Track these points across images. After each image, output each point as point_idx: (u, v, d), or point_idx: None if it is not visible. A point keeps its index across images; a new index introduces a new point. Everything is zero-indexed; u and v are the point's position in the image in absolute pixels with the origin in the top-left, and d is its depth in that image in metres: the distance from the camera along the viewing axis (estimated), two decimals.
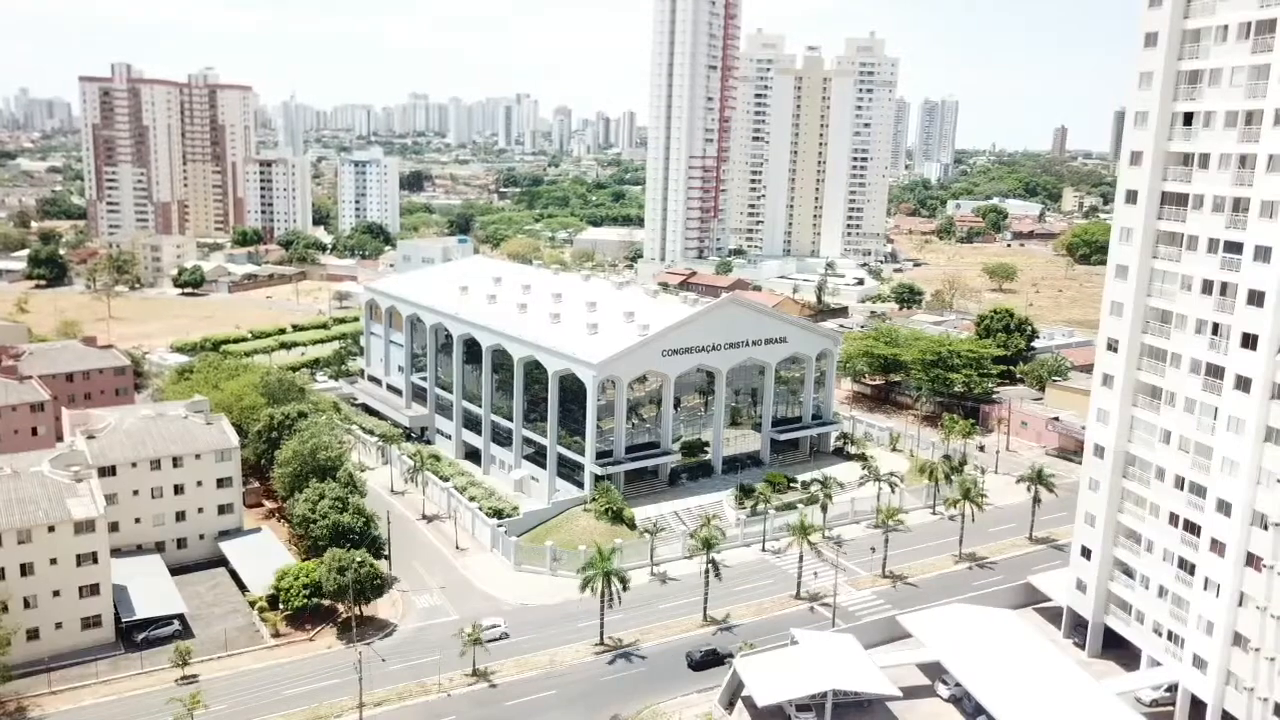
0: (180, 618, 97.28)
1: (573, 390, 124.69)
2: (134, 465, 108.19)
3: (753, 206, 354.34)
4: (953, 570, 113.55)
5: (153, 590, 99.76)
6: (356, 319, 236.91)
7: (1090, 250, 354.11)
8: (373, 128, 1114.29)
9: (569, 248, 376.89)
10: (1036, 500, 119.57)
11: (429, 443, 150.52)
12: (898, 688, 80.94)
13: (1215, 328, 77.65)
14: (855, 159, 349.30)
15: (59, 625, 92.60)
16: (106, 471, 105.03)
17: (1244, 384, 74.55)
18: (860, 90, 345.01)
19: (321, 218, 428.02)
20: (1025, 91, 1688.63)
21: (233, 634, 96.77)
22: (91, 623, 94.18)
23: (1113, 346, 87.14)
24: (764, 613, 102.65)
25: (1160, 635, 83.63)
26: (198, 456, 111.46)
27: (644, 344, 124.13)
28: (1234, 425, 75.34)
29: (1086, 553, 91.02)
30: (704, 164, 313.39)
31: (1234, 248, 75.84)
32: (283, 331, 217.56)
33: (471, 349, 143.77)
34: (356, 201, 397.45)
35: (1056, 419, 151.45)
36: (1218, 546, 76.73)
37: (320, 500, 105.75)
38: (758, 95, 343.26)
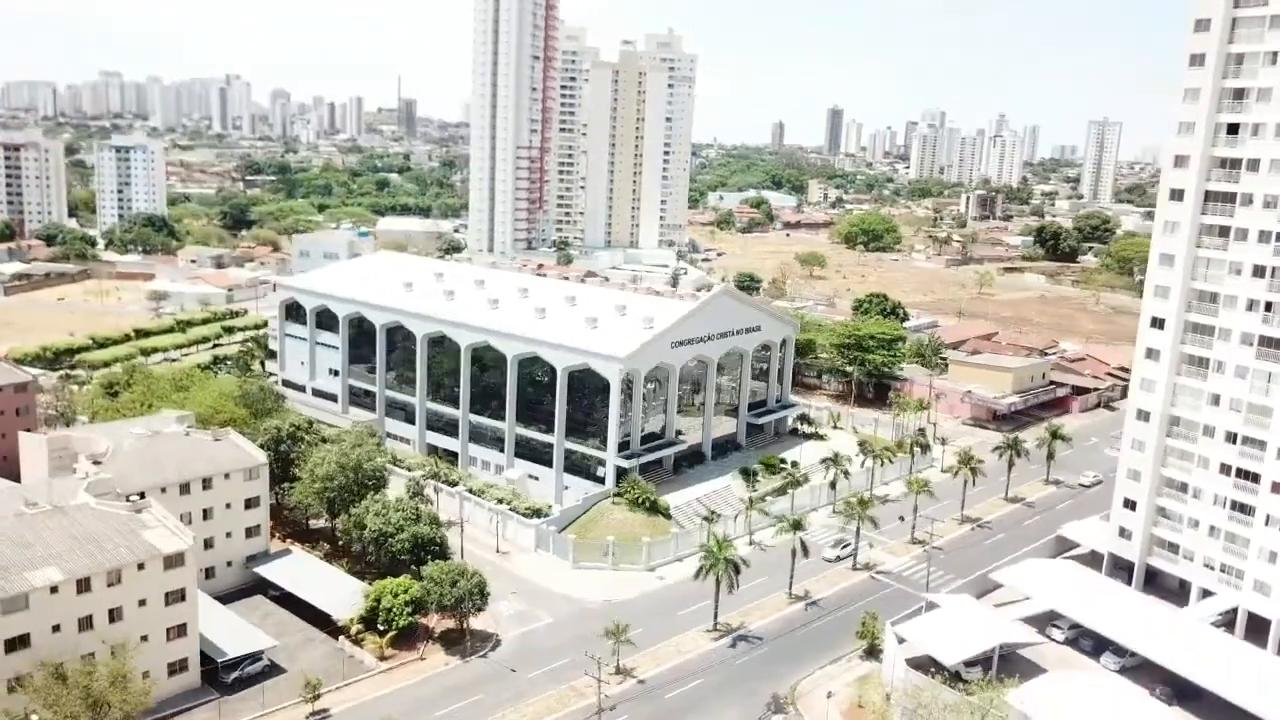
0: (263, 652, 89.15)
1: (574, 385, 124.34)
2: (163, 490, 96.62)
3: (561, 197, 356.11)
4: (960, 533, 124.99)
5: (228, 626, 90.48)
6: (205, 320, 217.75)
7: (869, 239, 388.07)
8: (59, 108, 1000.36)
9: (373, 239, 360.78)
10: (1011, 464, 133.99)
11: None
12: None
13: (1268, 305, 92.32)
14: (663, 152, 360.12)
15: (145, 674, 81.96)
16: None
17: None
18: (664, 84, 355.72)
19: (70, 209, 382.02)
20: (741, 87, 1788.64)
21: (324, 662, 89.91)
22: (178, 667, 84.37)
23: (1158, 324, 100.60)
24: (834, 585, 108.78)
25: (1213, 569, 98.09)
26: (227, 476, 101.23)
27: (659, 336, 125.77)
28: None
29: (1130, 504, 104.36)
30: (530, 154, 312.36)
31: None
32: (129, 338, 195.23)
33: (436, 347, 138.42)
34: (120, 191, 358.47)
35: (970, 392, 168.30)
36: (1279, 488, 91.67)
37: (389, 512, 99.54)
38: (563, 87, 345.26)
